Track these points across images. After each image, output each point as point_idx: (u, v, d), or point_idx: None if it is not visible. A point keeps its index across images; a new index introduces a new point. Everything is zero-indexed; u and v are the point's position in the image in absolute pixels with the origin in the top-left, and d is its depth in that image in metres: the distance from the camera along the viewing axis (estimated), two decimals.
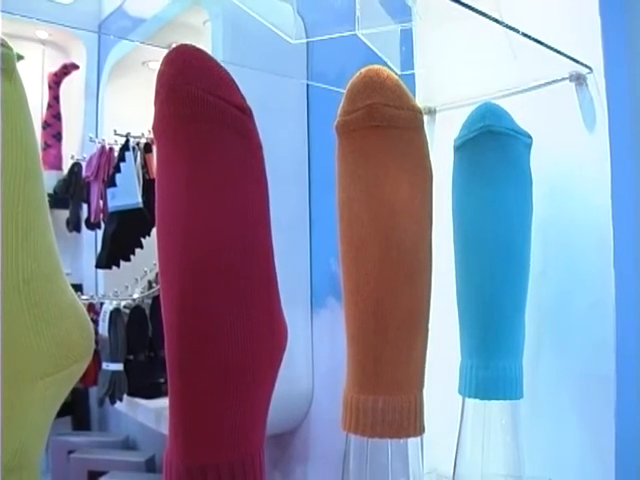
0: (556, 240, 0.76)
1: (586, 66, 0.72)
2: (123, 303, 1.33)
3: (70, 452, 1.57)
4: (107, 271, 1.40)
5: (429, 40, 0.91)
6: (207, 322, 0.46)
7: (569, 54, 0.71)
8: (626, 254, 0.72)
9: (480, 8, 0.63)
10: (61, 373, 0.45)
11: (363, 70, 0.58)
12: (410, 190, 0.57)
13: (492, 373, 0.66)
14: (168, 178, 0.48)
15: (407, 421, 0.56)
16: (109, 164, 1.38)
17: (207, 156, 0.47)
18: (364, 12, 0.67)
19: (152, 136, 0.48)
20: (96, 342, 0.51)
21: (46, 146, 1.83)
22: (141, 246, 1.31)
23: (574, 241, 0.74)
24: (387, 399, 0.56)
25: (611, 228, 0.70)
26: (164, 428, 1.19)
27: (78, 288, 1.67)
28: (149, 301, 1.32)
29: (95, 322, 1.30)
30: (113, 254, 1.31)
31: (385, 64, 0.78)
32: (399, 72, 0.82)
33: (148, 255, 1.30)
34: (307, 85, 1.18)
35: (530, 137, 0.70)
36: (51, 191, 1.71)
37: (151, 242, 1.30)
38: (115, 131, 1.35)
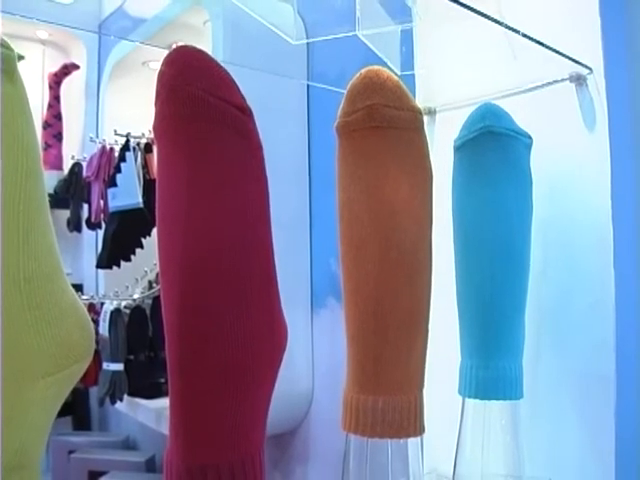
0: (556, 240, 0.76)
1: (586, 67, 0.72)
2: (123, 303, 1.33)
3: (70, 452, 1.57)
4: (108, 271, 1.40)
5: (429, 41, 0.92)
6: (207, 322, 0.46)
7: (569, 55, 0.71)
8: (626, 254, 0.72)
9: (480, 9, 0.63)
10: (62, 373, 0.46)
11: (363, 71, 0.58)
12: (410, 190, 0.57)
13: (492, 373, 0.66)
14: (169, 178, 0.48)
15: (407, 421, 0.56)
16: (110, 164, 1.38)
17: (207, 156, 0.47)
18: (364, 13, 0.67)
19: (152, 136, 0.48)
20: (96, 342, 0.51)
21: (47, 146, 1.83)
22: (141, 246, 1.31)
23: (574, 241, 0.74)
24: (387, 399, 0.56)
25: (611, 228, 0.71)
26: (164, 428, 1.19)
27: (79, 288, 1.67)
28: (149, 301, 1.32)
29: (95, 322, 1.30)
30: (114, 254, 1.31)
31: (385, 65, 0.78)
32: (399, 72, 0.82)
33: (148, 255, 1.30)
34: (307, 85, 1.18)
35: (530, 138, 0.70)
36: (52, 191, 1.71)
37: (151, 242, 1.30)
38: (115, 131, 1.35)
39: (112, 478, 1.43)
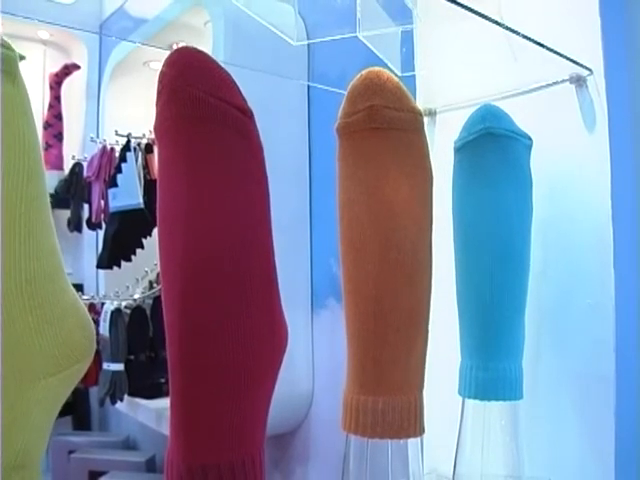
0: (556, 241, 0.76)
1: (586, 68, 0.72)
2: (124, 303, 1.33)
3: (71, 452, 1.57)
4: (108, 271, 1.40)
5: (429, 42, 0.92)
6: (208, 322, 0.46)
7: (569, 56, 0.71)
8: (626, 255, 0.72)
9: (480, 10, 0.63)
10: (63, 373, 0.46)
11: (364, 72, 0.58)
12: (410, 191, 0.58)
13: (492, 374, 0.66)
14: (169, 179, 0.48)
15: (407, 422, 0.57)
16: (110, 164, 1.38)
17: (208, 157, 0.47)
18: (365, 14, 0.67)
19: (153, 136, 0.49)
20: (97, 342, 0.52)
21: (47, 146, 1.83)
22: (142, 246, 1.31)
23: (574, 242, 0.74)
24: (387, 400, 0.56)
25: (611, 229, 0.71)
26: (164, 428, 1.20)
27: (79, 288, 1.68)
28: (150, 301, 1.32)
29: (96, 322, 1.30)
30: (114, 254, 1.32)
31: (386, 66, 0.78)
32: (399, 74, 0.82)
33: (149, 255, 1.30)
34: (308, 86, 1.18)
35: (530, 139, 0.70)
36: (52, 191, 1.71)
37: (152, 242, 1.30)
38: (116, 131, 1.36)
39: (112, 478, 1.43)
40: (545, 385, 0.76)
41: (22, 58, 0.45)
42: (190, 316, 0.46)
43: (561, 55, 0.70)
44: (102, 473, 1.46)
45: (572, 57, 0.71)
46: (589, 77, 0.73)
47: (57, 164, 1.83)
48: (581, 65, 0.72)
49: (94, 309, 1.39)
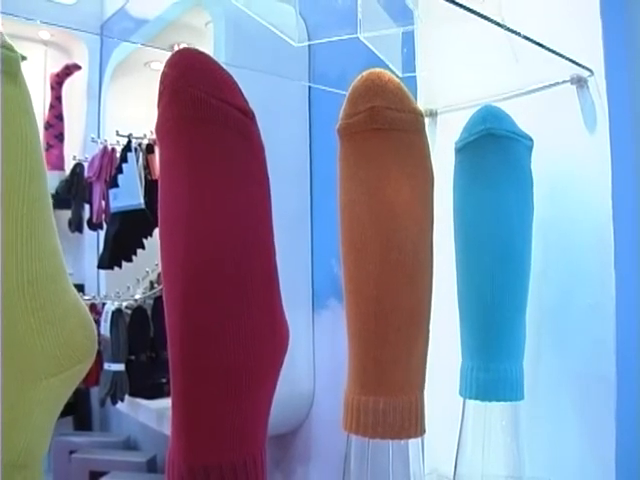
0: (557, 241, 0.76)
1: (587, 69, 0.72)
2: (125, 303, 1.33)
3: (71, 452, 1.58)
4: (109, 271, 1.41)
5: (430, 43, 0.92)
6: (209, 323, 0.46)
7: (570, 57, 0.71)
8: (626, 255, 0.72)
9: (481, 11, 0.63)
10: (64, 374, 0.46)
11: (365, 73, 0.58)
12: (411, 192, 0.58)
13: (493, 375, 0.66)
14: (171, 180, 0.48)
15: (408, 422, 0.57)
16: (111, 165, 1.38)
17: (210, 158, 0.47)
18: (366, 15, 0.67)
19: (154, 137, 0.49)
20: (98, 342, 0.52)
21: (48, 146, 1.83)
22: (143, 247, 1.31)
23: (575, 242, 0.74)
24: (388, 400, 0.56)
25: (612, 229, 0.71)
26: (165, 428, 1.20)
27: (80, 288, 1.67)
28: (151, 301, 1.32)
29: (97, 322, 1.30)
30: (115, 255, 1.32)
31: (387, 67, 0.78)
32: (400, 75, 0.82)
33: (150, 256, 1.30)
34: (309, 87, 1.18)
35: (531, 140, 0.70)
36: (53, 191, 1.71)
37: (153, 243, 1.30)
38: (117, 132, 1.36)
39: (113, 478, 1.44)
40: (546, 386, 0.76)
41: (23, 58, 0.45)
42: (191, 317, 0.46)
43: (562, 56, 0.70)
44: (103, 473, 1.46)
45: (573, 58, 0.71)
46: (590, 78, 0.73)
47: (58, 164, 1.83)
48: (582, 66, 0.72)
49: (95, 309, 1.40)
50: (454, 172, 0.71)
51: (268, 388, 0.50)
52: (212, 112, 0.47)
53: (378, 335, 0.56)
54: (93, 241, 1.70)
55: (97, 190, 1.41)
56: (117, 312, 1.30)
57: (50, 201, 0.47)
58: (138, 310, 1.31)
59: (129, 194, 1.29)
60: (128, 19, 1.62)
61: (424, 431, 0.59)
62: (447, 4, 0.58)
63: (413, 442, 0.59)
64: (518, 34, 0.67)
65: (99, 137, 1.55)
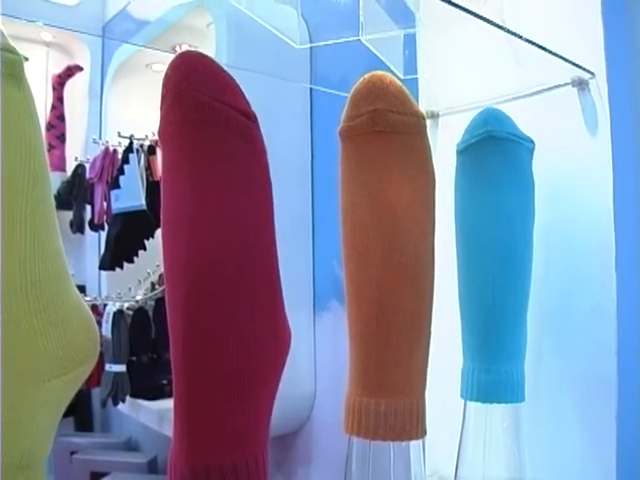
0: (558, 244, 0.76)
1: (588, 71, 0.72)
2: (126, 305, 1.33)
3: (73, 453, 1.58)
4: (110, 273, 1.41)
5: (432, 45, 0.92)
6: (212, 325, 0.46)
7: (571, 59, 0.71)
8: (628, 257, 0.72)
9: (483, 13, 0.63)
10: (67, 376, 0.46)
11: (367, 76, 0.58)
12: (413, 194, 0.58)
13: (494, 377, 0.66)
14: (173, 182, 0.48)
15: (409, 424, 0.57)
16: (113, 166, 1.38)
17: (212, 161, 0.47)
18: (368, 17, 0.67)
19: (156, 138, 0.49)
20: (100, 344, 0.52)
21: (50, 147, 1.83)
22: (144, 248, 1.31)
23: (576, 245, 0.74)
24: (389, 402, 0.56)
25: (613, 232, 0.71)
26: (166, 429, 1.20)
27: (81, 289, 1.67)
28: (152, 303, 1.32)
29: (98, 324, 1.30)
30: (116, 256, 1.32)
31: (388, 69, 0.78)
32: (402, 77, 0.82)
33: (151, 257, 1.30)
34: (310, 89, 1.18)
35: (532, 142, 0.70)
36: (55, 192, 1.71)
37: (154, 244, 1.30)
38: (119, 133, 1.36)
39: (114, 479, 1.44)
40: (547, 387, 0.76)
41: (25, 60, 0.45)
42: (194, 320, 0.46)
43: (563, 58, 0.71)
44: (104, 474, 1.46)
45: (574, 60, 0.71)
46: (591, 80, 0.73)
47: (60, 165, 1.83)
48: (583, 68, 0.72)
49: (96, 310, 1.39)
50: (455, 174, 0.72)
51: (270, 390, 0.50)
52: (215, 115, 0.47)
53: (379, 337, 0.56)
54: (94, 242, 1.70)
55: (99, 191, 1.41)
56: (118, 313, 1.30)
57: (53, 203, 0.47)
58: (139, 311, 1.31)
59: (130, 195, 1.29)
60: (130, 20, 1.62)
61: (425, 433, 0.59)
62: (449, 6, 0.58)
63: (414, 444, 0.59)
64: (519, 36, 0.68)
65: (101, 138, 1.55)
